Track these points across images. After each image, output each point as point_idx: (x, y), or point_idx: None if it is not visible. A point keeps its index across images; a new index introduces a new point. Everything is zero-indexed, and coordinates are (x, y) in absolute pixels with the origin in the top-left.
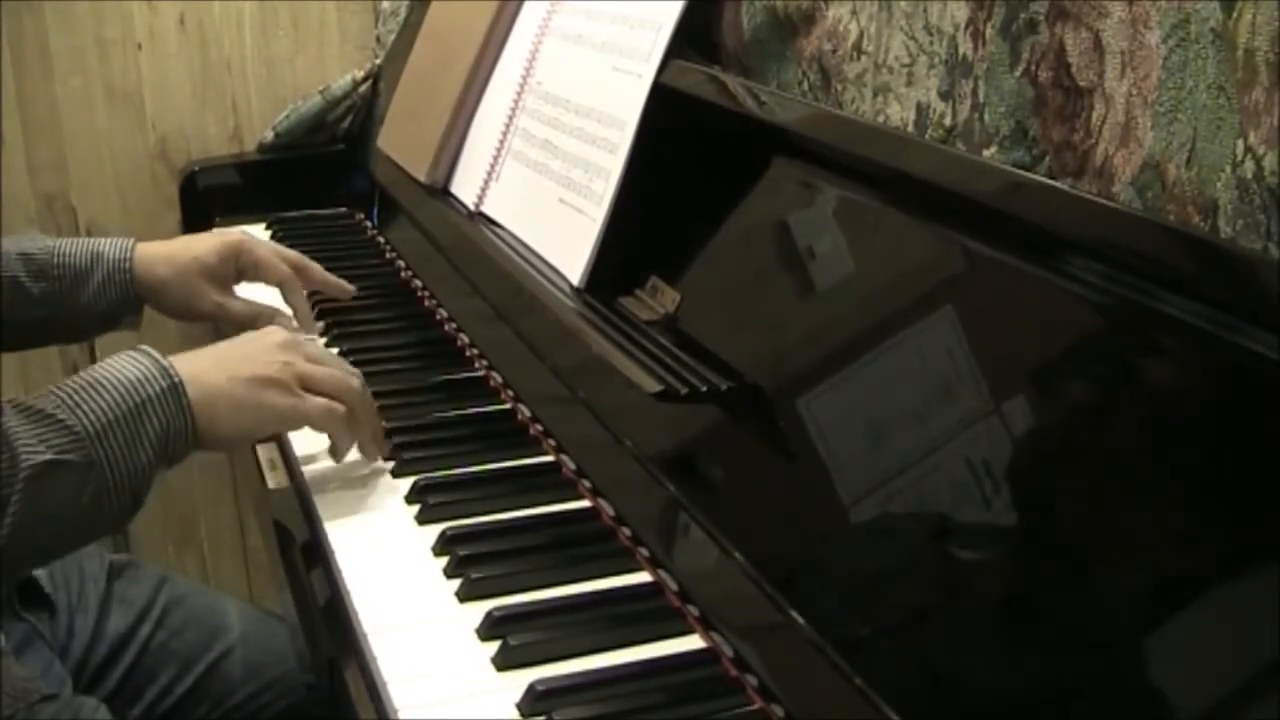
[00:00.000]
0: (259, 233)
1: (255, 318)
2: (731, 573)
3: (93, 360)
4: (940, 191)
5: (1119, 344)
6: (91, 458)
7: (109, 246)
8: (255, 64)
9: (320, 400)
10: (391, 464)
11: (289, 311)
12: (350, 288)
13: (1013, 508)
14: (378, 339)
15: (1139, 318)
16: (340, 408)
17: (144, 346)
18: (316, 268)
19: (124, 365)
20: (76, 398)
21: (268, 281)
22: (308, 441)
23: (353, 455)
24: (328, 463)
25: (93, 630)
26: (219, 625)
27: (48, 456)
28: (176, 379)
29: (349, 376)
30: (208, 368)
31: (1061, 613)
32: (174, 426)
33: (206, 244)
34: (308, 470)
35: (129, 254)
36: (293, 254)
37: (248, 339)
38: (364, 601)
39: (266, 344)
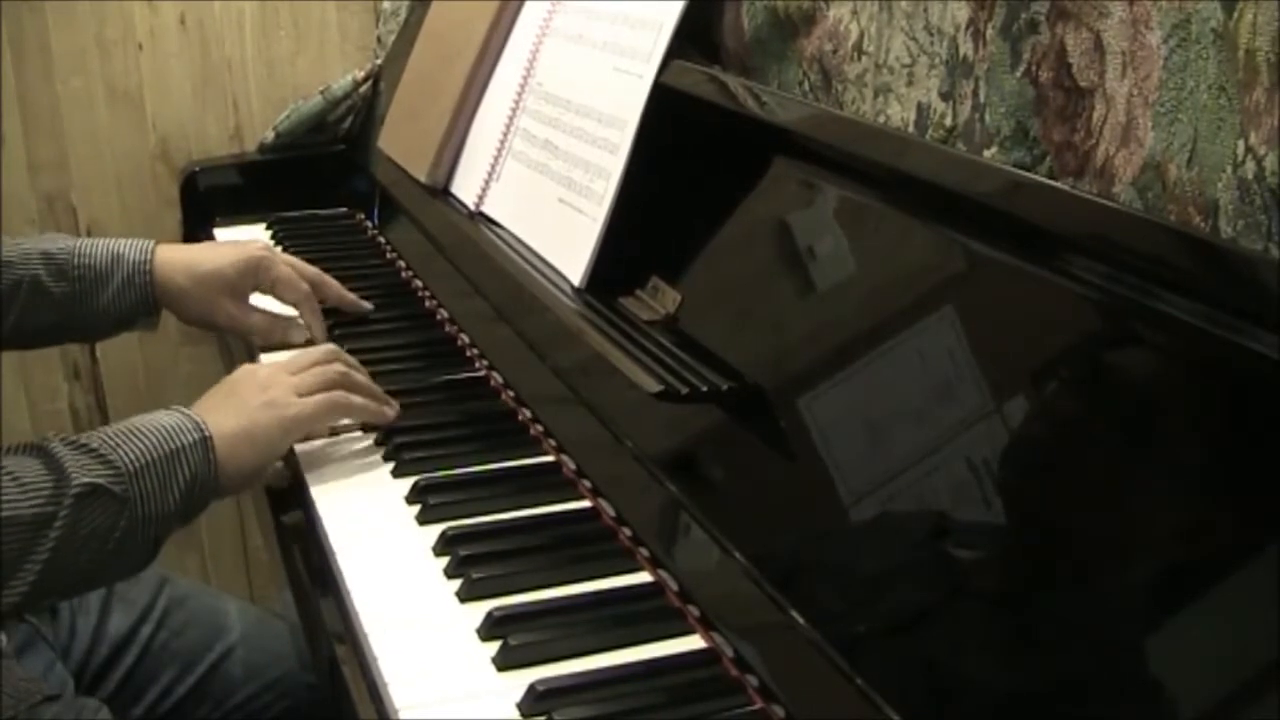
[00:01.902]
0: (259, 233)
1: (270, 331)
2: (732, 573)
3: (94, 359)
4: (941, 192)
5: (1119, 344)
6: (128, 494)
7: (129, 249)
8: (256, 64)
9: (316, 398)
10: (392, 464)
11: (302, 325)
12: (367, 305)
13: (1013, 508)
14: (379, 339)
15: (1139, 318)
16: (336, 395)
17: (176, 406)
18: (334, 285)
19: (160, 416)
20: (116, 440)
21: (285, 299)
22: (308, 440)
23: (355, 451)
24: (329, 463)
25: (94, 631)
26: (220, 625)
27: (95, 480)
28: (208, 433)
29: (327, 358)
30: (218, 417)
31: (1062, 612)
32: (200, 476)
33: (227, 256)
34: (308, 470)
35: (149, 257)
36: (312, 271)
37: (232, 381)
38: (365, 601)
39: (248, 374)
